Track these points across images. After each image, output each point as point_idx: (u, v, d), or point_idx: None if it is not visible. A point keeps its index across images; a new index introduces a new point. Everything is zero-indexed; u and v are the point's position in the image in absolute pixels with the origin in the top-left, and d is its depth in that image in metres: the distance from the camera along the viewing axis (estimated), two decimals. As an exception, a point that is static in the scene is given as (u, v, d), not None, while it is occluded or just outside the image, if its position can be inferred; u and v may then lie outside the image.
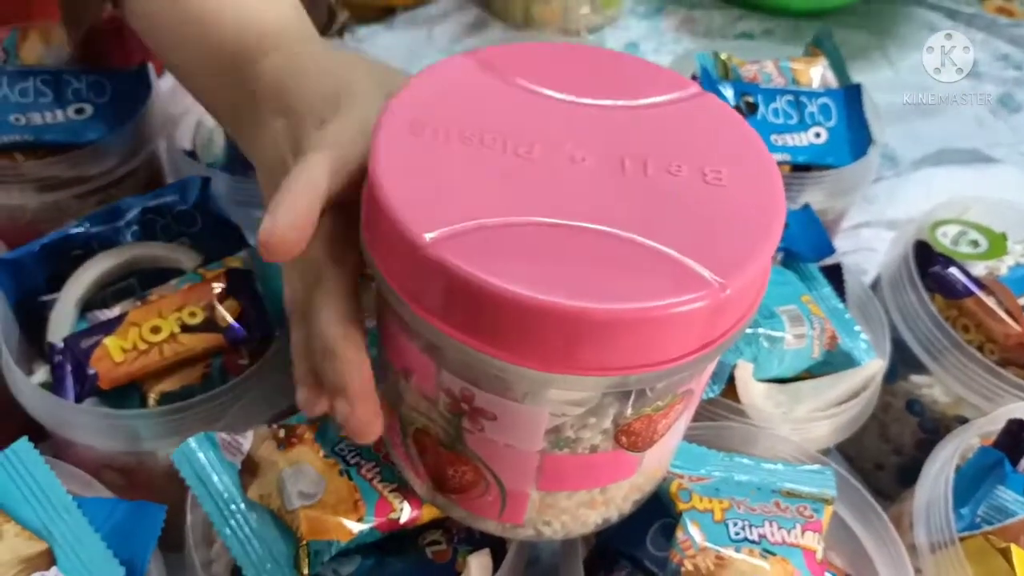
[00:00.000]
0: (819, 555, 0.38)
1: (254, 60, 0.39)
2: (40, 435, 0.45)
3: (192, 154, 0.59)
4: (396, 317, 0.30)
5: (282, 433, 0.39)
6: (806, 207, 0.52)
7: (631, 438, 0.31)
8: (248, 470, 0.38)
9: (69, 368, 0.44)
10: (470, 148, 0.30)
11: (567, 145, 0.30)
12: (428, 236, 0.27)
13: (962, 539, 0.42)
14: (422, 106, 0.31)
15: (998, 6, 0.98)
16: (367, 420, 0.32)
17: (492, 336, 0.27)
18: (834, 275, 0.53)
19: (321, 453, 0.39)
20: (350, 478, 0.38)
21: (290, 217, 0.30)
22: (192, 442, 0.38)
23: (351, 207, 0.32)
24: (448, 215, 0.27)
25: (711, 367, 0.33)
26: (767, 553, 0.37)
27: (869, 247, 0.71)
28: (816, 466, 0.42)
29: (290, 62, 0.38)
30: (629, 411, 0.30)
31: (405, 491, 0.38)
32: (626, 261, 0.27)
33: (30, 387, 0.45)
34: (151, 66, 0.59)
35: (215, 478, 0.38)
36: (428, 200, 0.28)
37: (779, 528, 0.38)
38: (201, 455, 0.38)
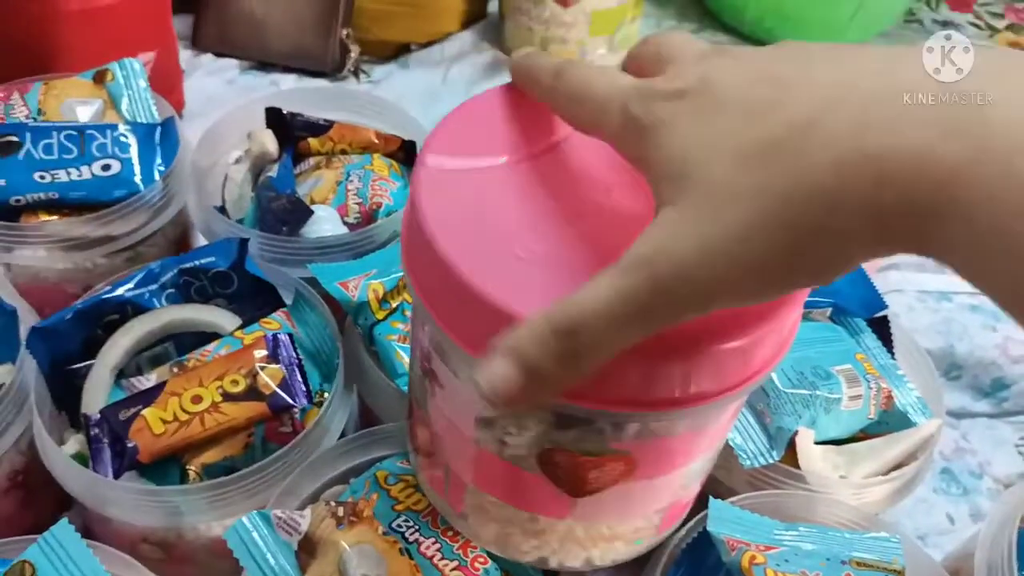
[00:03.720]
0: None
1: None
2: (71, 500, 0.44)
3: (222, 210, 0.58)
4: None
5: (341, 511, 0.38)
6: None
7: (556, 471, 0.31)
8: (306, 550, 0.37)
9: (107, 441, 0.43)
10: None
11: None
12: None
13: (1029, 604, 0.41)
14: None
15: (1010, 40, 0.98)
16: None
17: (440, 306, 0.29)
18: (879, 327, 0.52)
19: (380, 530, 0.38)
20: (411, 557, 0.37)
21: None
22: (246, 521, 0.37)
23: None
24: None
25: (659, 447, 0.31)
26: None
27: (897, 288, 0.71)
28: (882, 534, 0.41)
29: None
30: (552, 436, 0.30)
31: (467, 569, 0.38)
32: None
33: (65, 461, 0.43)
34: (177, 118, 0.58)
35: (270, 559, 0.37)
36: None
37: (855, 606, 0.37)
38: (255, 534, 0.37)
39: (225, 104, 0.74)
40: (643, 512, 0.35)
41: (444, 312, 0.29)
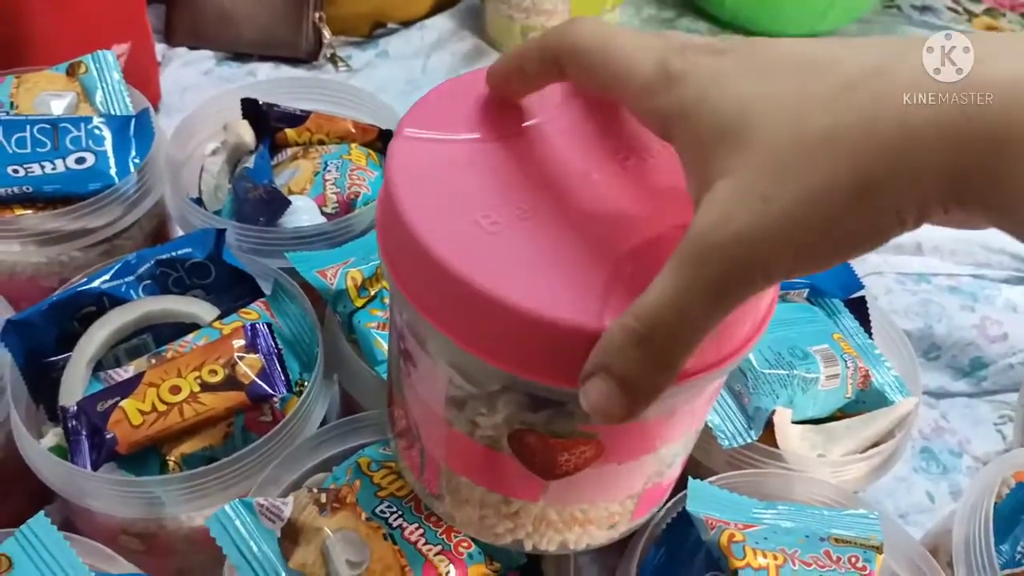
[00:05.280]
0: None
1: None
2: (50, 495, 0.44)
3: (199, 201, 0.58)
4: None
5: (324, 498, 0.38)
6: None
7: (527, 453, 0.31)
8: (289, 537, 0.37)
9: (85, 433, 0.42)
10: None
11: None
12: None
13: (1006, 577, 0.41)
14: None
15: (987, 24, 0.99)
16: None
17: (410, 282, 0.29)
18: (857, 307, 0.52)
19: (364, 516, 0.38)
20: (394, 542, 0.37)
21: None
22: (228, 509, 0.37)
23: None
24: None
25: (630, 431, 0.31)
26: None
27: (877, 271, 0.71)
28: (860, 510, 0.41)
29: None
30: (522, 418, 0.30)
31: (450, 553, 0.38)
32: (566, 267, 0.27)
33: (43, 454, 0.43)
34: (151, 109, 0.57)
35: (254, 546, 0.37)
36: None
37: (833, 582, 0.37)
38: (238, 522, 0.37)
39: (202, 95, 0.74)
40: (615, 496, 0.35)
41: (413, 288, 0.29)
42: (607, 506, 0.35)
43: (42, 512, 0.38)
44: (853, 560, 0.38)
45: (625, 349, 0.24)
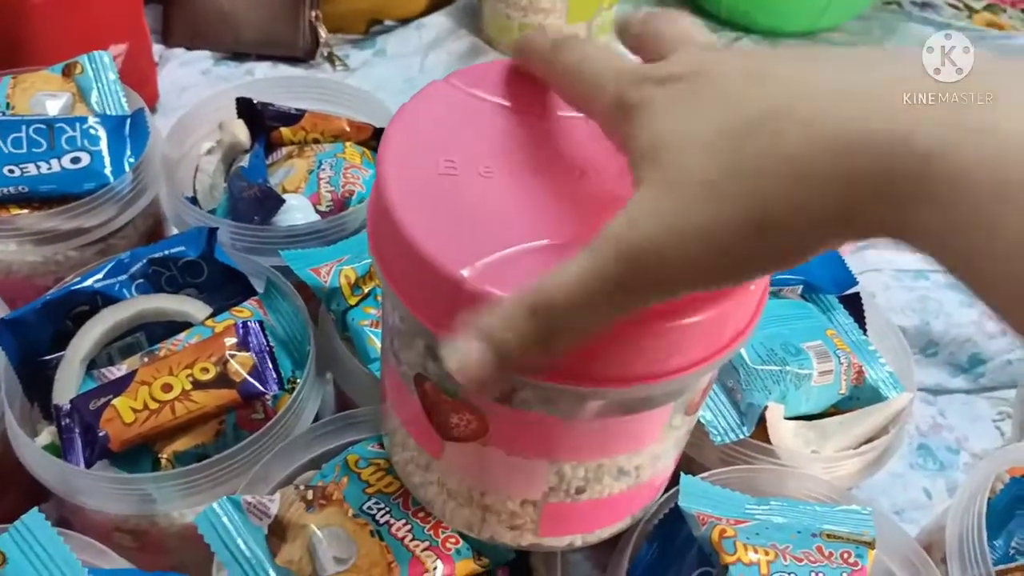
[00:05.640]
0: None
1: None
2: (45, 493, 0.44)
3: (194, 200, 0.58)
4: None
5: (311, 495, 0.38)
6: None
7: (425, 402, 0.32)
8: (276, 534, 0.37)
9: (78, 431, 0.43)
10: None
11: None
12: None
13: (999, 573, 0.41)
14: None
15: (987, 20, 0.99)
16: None
17: (378, 240, 0.30)
18: (851, 304, 0.52)
19: (351, 513, 0.38)
20: (381, 539, 0.37)
21: None
22: (216, 506, 0.37)
23: None
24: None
25: (515, 420, 0.30)
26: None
27: (875, 268, 0.71)
28: (853, 506, 0.41)
29: None
30: (426, 364, 0.31)
31: (437, 549, 0.38)
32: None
33: (37, 452, 0.43)
34: (147, 109, 0.57)
35: (241, 543, 0.37)
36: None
37: (824, 578, 0.37)
38: (226, 520, 0.37)
39: (200, 95, 0.74)
40: (507, 490, 0.34)
41: (372, 219, 0.31)
42: (501, 498, 0.34)
43: (36, 508, 0.38)
44: (845, 556, 0.38)
45: (515, 321, 0.24)
